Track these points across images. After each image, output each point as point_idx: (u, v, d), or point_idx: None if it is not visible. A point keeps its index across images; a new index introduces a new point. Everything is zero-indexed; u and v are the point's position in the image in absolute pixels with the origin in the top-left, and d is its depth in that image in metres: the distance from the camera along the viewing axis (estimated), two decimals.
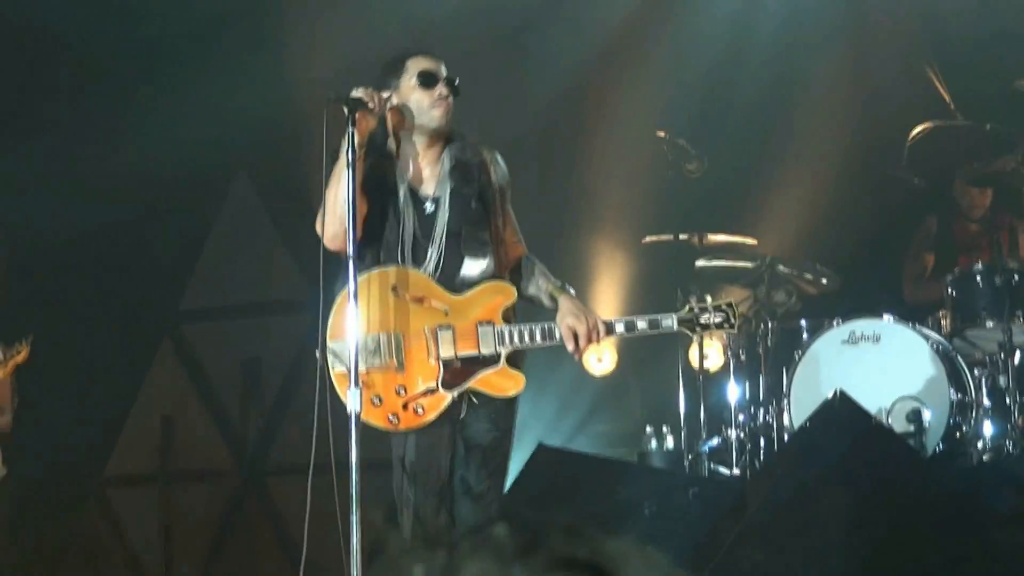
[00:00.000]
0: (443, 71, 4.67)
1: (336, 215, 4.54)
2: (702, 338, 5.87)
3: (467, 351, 4.67)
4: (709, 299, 4.94)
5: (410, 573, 0.70)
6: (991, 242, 6.90)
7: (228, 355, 7.96)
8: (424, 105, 4.66)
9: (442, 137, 4.77)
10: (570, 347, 4.73)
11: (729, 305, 4.93)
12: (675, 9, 7.94)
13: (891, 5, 7.72)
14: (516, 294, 4.79)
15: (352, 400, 4.42)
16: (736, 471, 6.78)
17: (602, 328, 4.71)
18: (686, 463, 6.95)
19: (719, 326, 4.87)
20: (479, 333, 4.68)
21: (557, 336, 4.74)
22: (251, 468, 7.94)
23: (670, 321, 4.80)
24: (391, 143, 4.66)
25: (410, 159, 4.75)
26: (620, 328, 4.91)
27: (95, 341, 7.55)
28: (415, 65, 4.67)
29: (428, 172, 4.78)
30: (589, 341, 4.75)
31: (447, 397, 4.65)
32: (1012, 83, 6.51)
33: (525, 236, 4.94)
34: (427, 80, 4.59)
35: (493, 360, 4.69)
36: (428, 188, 4.76)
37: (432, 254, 4.72)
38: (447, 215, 4.74)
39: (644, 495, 6.36)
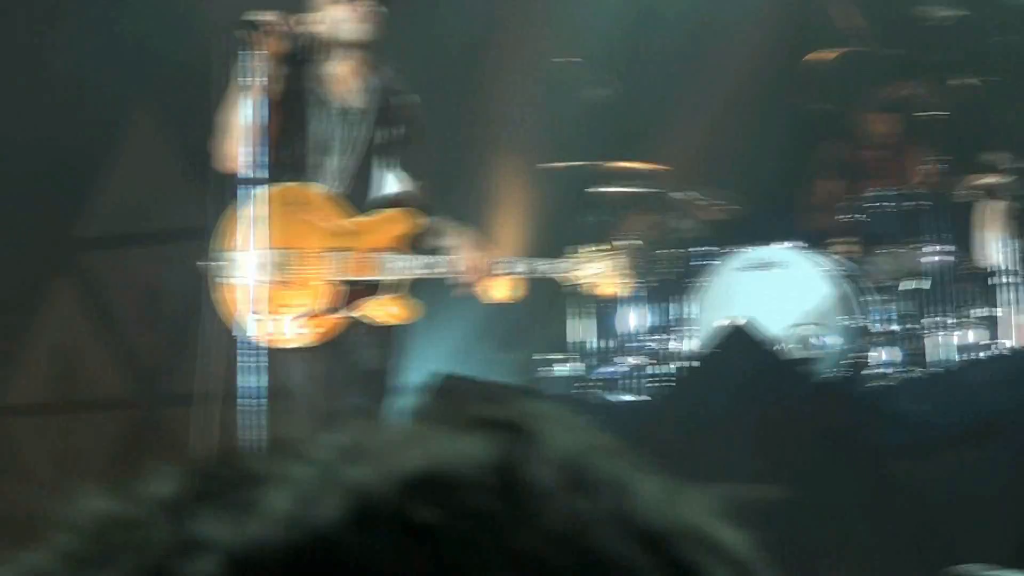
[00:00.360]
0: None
1: (233, 136, 4.53)
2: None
3: (363, 275, 4.71)
4: (589, 249, 5.09)
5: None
6: (891, 168, 6.97)
7: (127, 283, 7.95)
8: (345, 18, 4.64)
9: (368, 53, 4.76)
10: (463, 280, 4.84)
11: (615, 252, 5.11)
12: None
13: None
14: (416, 223, 4.80)
15: (250, 325, 4.43)
16: (633, 397, 6.81)
17: (496, 265, 4.84)
18: (585, 388, 6.97)
19: (596, 275, 5.01)
20: (377, 259, 4.73)
21: (453, 269, 4.81)
22: (149, 397, 7.98)
23: (556, 268, 4.97)
24: (315, 60, 4.65)
25: (335, 76, 4.74)
26: (519, 268, 5.04)
27: None
28: None
29: (352, 88, 4.79)
30: (481, 277, 4.85)
31: (339, 319, 4.70)
32: (912, 8, 6.57)
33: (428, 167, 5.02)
34: None
35: (388, 287, 4.75)
36: (350, 103, 4.79)
37: (344, 171, 4.76)
38: (365, 134, 4.77)
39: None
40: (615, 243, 5.45)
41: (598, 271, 5.06)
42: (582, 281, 5.11)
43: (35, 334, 7.70)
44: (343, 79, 4.77)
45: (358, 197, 4.83)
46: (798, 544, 5.69)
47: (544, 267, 5.10)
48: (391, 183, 4.84)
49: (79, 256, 7.93)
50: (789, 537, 5.61)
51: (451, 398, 6.37)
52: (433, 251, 4.91)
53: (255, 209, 4.46)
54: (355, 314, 4.78)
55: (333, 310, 4.79)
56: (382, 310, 4.86)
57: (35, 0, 7.62)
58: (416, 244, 4.88)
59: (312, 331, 4.76)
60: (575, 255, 4.94)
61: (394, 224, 4.83)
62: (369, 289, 4.85)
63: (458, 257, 4.77)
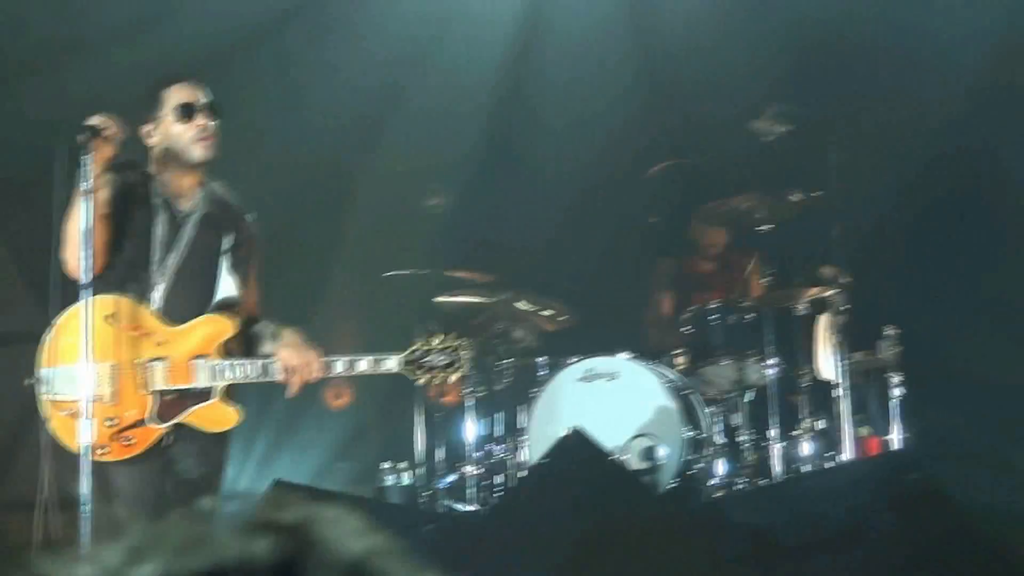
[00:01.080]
0: (202, 99, 4.76)
1: (73, 245, 4.60)
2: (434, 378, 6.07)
3: (180, 384, 4.71)
4: (436, 340, 5.03)
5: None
6: (725, 281, 7.18)
7: None
8: (184, 139, 4.72)
9: (202, 168, 4.87)
10: (285, 382, 4.83)
11: (457, 347, 5.02)
12: (431, 53, 8.24)
13: (629, 43, 8.05)
14: (234, 328, 4.82)
15: (84, 432, 4.44)
16: (473, 507, 6.84)
17: (318, 365, 4.78)
18: (421, 500, 7.05)
19: (444, 368, 4.97)
20: (193, 366, 4.73)
21: (273, 372, 4.79)
22: None
23: (392, 363, 4.92)
24: (148, 166, 4.71)
25: (168, 186, 4.81)
26: (340, 367, 4.97)
27: None
28: (173, 96, 4.74)
29: (187, 197, 4.85)
30: (304, 378, 4.84)
31: (158, 430, 4.66)
32: (746, 124, 6.84)
33: (271, 281, 5.06)
34: (185, 112, 4.69)
35: (206, 394, 4.74)
36: (184, 210, 4.85)
37: (163, 282, 4.75)
38: (186, 247, 4.77)
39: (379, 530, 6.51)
40: (451, 344, 5.24)
41: (428, 363, 5.04)
42: (413, 374, 5.05)
43: None
44: (179, 188, 4.85)
45: (186, 303, 4.83)
46: None
47: (363, 364, 5.04)
48: (221, 288, 4.90)
49: None
50: None
51: (277, 504, 6.52)
52: (260, 355, 4.93)
53: (80, 320, 4.53)
54: (180, 421, 4.77)
55: (157, 419, 4.77)
56: (206, 416, 4.85)
57: None
58: (239, 349, 4.90)
59: (134, 441, 4.76)
60: (402, 351, 4.96)
61: (213, 329, 4.86)
62: (199, 396, 4.85)
63: (281, 359, 4.79)
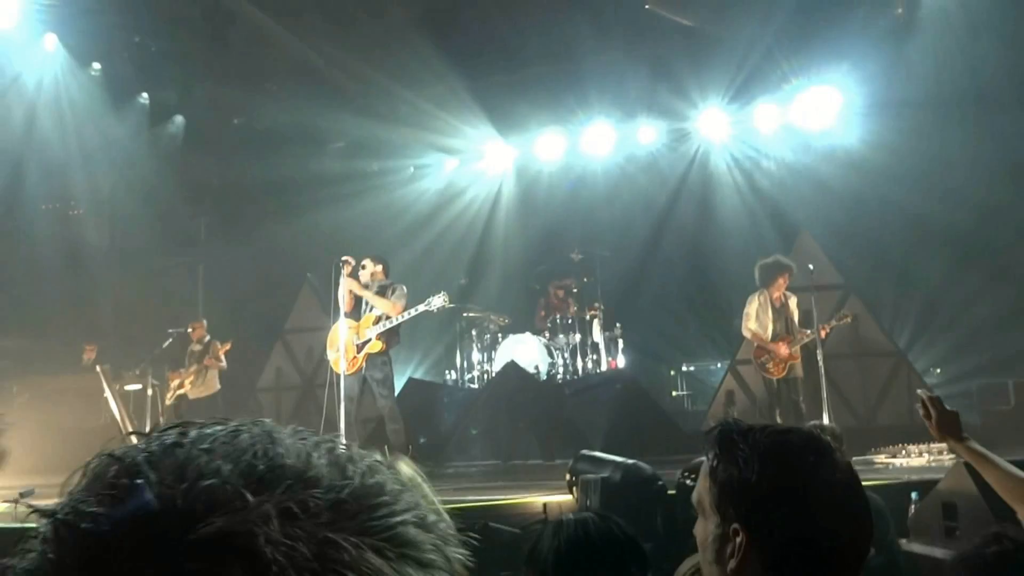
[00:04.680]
0: (365, 262, 9.23)
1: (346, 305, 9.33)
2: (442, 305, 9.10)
3: (362, 340, 9.06)
4: (435, 295, 8.85)
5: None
6: (564, 307, 13.27)
7: (303, 345, 14.16)
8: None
9: (370, 281, 9.24)
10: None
11: (443, 294, 8.81)
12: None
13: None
14: (377, 314, 9.07)
15: (342, 365, 9.65)
16: (476, 386, 12.55)
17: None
18: (460, 383, 12.80)
19: (440, 306, 8.82)
20: (365, 332, 9.11)
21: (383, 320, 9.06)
22: (308, 383, 14.12)
23: (421, 306, 8.89)
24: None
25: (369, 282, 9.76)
26: (399, 318, 8.93)
27: None
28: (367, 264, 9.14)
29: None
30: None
31: (360, 359, 9.04)
32: (570, 254, 13.15)
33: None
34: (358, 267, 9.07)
35: (369, 341, 9.09)
36: (367, 294, 9.29)
37: (365, 310, 9.30)
38: (370, 301, 9.14)
39: (445, 394, 12.76)
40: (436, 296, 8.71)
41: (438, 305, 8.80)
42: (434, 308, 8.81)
43: None
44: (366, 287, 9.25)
45: (360, 315, 10.04)
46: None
47: (422, 307, 8.76)
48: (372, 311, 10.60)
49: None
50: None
51: (415, 394, 12.55)
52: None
53: (337, 328, 9.90)
54: (364, 353, 10.16)
55: (359, 351, 9.47)
56: (373, 348, 9.51)
57: None
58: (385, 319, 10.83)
59: (354, 364, 9.52)
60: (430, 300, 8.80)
61: (368, 318, 9.22)
62: (365, 344, 9.15)
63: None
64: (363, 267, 9.55)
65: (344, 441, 0.76)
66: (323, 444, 0.74)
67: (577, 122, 15.16)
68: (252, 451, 0.71)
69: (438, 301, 8.98)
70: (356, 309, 9.43)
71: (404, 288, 9.49)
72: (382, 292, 9.44)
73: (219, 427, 0.73)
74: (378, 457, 0.76)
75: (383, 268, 9.64)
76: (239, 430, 0.73)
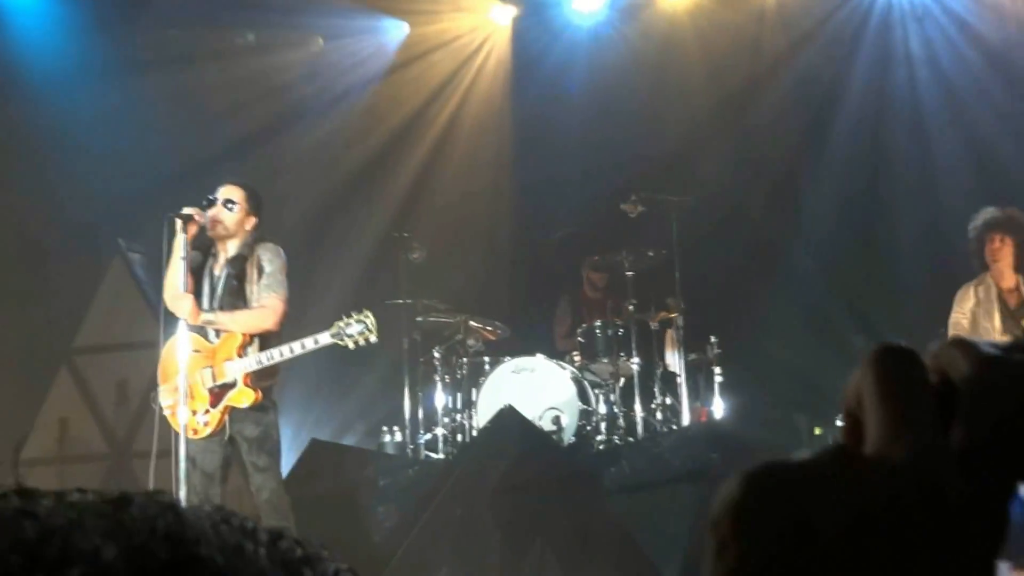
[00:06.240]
0: (220, 195, 5.90)
1: (168, 292, 6.00)
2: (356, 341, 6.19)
3: (219, 380, 5.99)
4: (352, 316, 5.99)
5: None
6: (605, 307, 8.58)
7: (109, 377, 9.44)
8: (220, 218, 5.94)
9: (231, 235, 6.00)
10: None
11: (363, 317, 5.98)
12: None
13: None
14: (243, 335, 5.96)
15: (180, 418, 5.87)
16: (442, 455, 8.19)
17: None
18: (409, 450, 8.39)
19: (361, 333, 5.96)
20: (224, 367, 6.00)
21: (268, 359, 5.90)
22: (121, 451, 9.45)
23: (324, 336, 5.97)
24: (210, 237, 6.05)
25: (218, 250, 6.14)
26: (295, 350, 5.96)
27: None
28: (221, 193, 5.98)
29: (222, 256, 6.15)
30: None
31: (218, 413, 5.98)
32: (618, 205, 8.34)
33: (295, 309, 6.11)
34: (209, 204, 5.93)
35: (234, 383, 5.99)
36: (216, 271, 6.16)
37: (219, 300, 6.08)
38: (222, 286, 6.09)
39: (380, 473, 7.72)
40: (359, 317, 6.05)
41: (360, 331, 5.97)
42: (341, 342, 5.98)
43: (42, 412, 9.33)
44: (223, 248, 6.08)
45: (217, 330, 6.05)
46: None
47: (308, 343, 5.95)
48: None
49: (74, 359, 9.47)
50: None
51: (316, 458, 7.74)
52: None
53: (173, 349, 5.91)
54: (225, 404, 5.96)
55: (214, 405, 5.98)
56: (237, 398, 6.00)
57: None
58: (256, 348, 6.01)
59: (207, 423, 5.99)
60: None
61: (231, 340, 6.01)
62: (231, 385, 5.99)
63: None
64: (211, 205, 5.98)
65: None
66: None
67: None
68: None
69: (357, 329, 5.95)
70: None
71: (278, 253, 6.19)
72: (239, 276, 6.04)
73: None
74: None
75: (248, 205, 6.12)
76: None
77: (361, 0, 9.29)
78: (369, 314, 6.01)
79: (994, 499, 0.60)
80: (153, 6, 9.26)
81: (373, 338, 6.07)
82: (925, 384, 0.68)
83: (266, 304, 6.02)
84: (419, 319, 8.55)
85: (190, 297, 5.93)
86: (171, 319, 6.01)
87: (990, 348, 0.67)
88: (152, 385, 6.40)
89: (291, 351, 6.02)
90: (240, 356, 6.01)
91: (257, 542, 0.60)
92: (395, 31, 10.11)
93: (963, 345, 0.70)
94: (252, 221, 6.08)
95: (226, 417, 6.06)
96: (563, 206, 9.47)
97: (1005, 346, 0.70)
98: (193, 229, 5.87)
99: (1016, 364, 0.65)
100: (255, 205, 6.13)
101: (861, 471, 0.65)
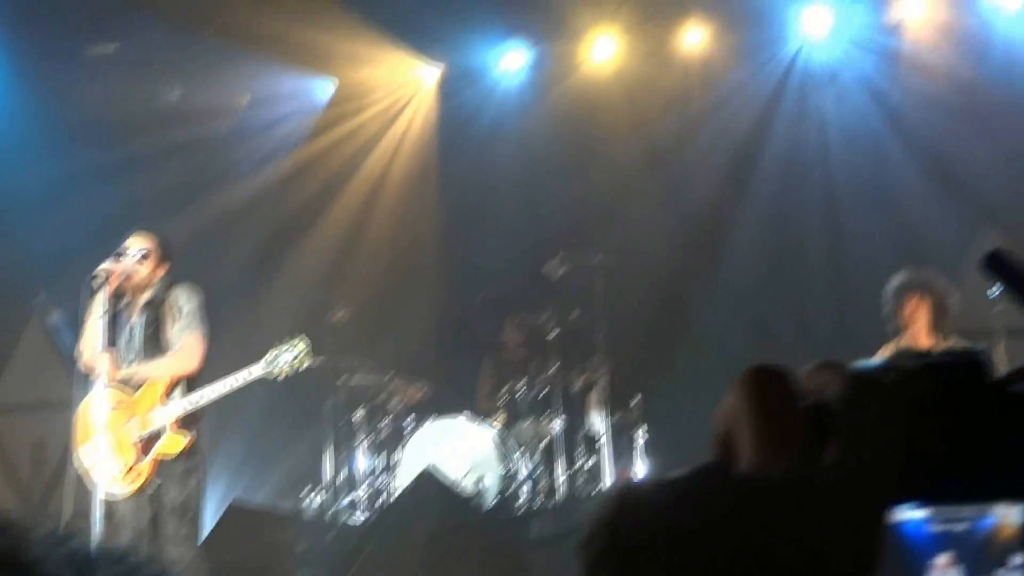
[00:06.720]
0: (131, 245, 5.77)
1: (87, 351, 5.88)
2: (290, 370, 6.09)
3: (147, 429, 5.83)
4: (284, 342, 5.93)
5: None
6: (528, 368, 8.43)
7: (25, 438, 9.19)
8: (135, 269, 5.82)
9: (145, 287, 5.88)
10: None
11: (296, 343, 5.92)
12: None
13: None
14: (165, 382, 5.80)
15: (99, 478, 5.69)
16: (362, 518, 7.98)
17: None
18: (329, 514, 8.14)
19: (296, 358, 5.91)
20: (150, 416, 5.83)
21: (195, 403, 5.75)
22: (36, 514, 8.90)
23: (258, 368, 5.87)
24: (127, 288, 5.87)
25: (133, 299, 5.97)
26: (229, 384, 5.85)
27: None
28: (132, 243, 5.85)
29: (137, 305, 5.94)
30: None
31: (147, 464, 5.78)
32: (540, 267, 8.17)
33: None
34: (119, 255, 5.82)
35: (162, 431, 5.83)
36: (132, 319, 5.94)
37: (126, 363, 5.88)
38: (138, 338, 5.93)
39: (298, 538, 7.71)
40: (291, 344, 5.97)
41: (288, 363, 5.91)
42: (271, 374, 5.89)
43: None
44: (139, 293, 5.95)
45: (138, 381, 5.79)
46: None
47: (241, 375, 5.85)
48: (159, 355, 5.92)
49: None
50: None
51: (236, 521, 7.46)
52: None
53: (90, 408, 5.76)
54: (155, 456, 5.74)
55: (142, 457, 5.75)
56: (168, 445, 5.83)
57: None
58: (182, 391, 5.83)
59: (135, 479, 5.75)
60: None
61: (153, 388, 5.85)
62: (160, 434, 5.81)
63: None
64: (122, 256, 5.89)
65: None
66: None
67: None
68: None
69: (288, 357, 5.87)
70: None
71: (195, 292, 6.08)
72: (155, 322, 5.92)
73: None
74: None
75: (160, 252, 6.01)
76: None
77: (289, 57, 9.15)
78: (303, 338, 5.94)
79: (868, 517, 0.57)
80: (84, 66, 9.06)
81: (308, 363, 6.02)
82: (798, 403, 0.66)
83: (185, 344, 5.92)
84: (341, 380, 8.46)
85: (108, 354, 5.81)
86: (84, 378, 5.88)
87: (862, 367, 0.66)
88: (69, 447, 6.15)
89: (225, 387, 5.91)
90: (164, 403, 5.90)
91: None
92: (323, 89, 9.99)
93: (834, 366, 0.69)
94: (165, 266, 6.01)
95: (154, 471, 5.88)
96: (489, 266, 9.36)
97: (887, 360, 0.67)
98: (114, 283, 5.78)
99: (887, 384, 0.63)
100: (167, 252, 6.05)
101: (733, 487, 0.64)
